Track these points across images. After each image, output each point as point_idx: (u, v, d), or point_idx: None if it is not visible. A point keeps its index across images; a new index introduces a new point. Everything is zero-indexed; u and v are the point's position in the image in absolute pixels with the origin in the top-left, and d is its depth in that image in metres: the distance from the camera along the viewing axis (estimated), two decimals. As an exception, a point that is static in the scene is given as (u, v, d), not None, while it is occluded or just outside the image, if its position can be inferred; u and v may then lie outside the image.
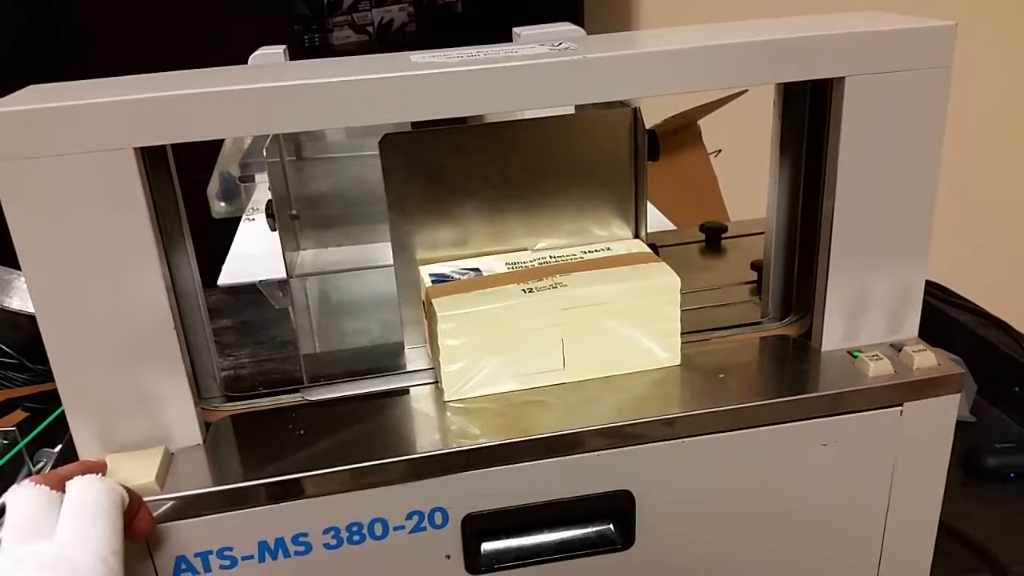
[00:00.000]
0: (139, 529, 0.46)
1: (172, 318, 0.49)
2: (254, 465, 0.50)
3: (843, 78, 0.51)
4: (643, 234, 0.62)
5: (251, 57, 0.74)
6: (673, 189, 0.96)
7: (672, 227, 0.87)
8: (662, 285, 0.55)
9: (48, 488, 0.42)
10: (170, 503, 0.48)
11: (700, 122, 1.09)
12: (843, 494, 0.56)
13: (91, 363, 0.49)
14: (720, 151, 1.11)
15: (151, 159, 0.48)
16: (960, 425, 0.57)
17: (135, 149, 0.46)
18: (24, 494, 0.41)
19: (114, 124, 0.45)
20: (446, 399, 0.54)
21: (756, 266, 0.68)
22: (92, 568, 0.39)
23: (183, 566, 0.49)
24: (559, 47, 0.51)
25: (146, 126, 0.45)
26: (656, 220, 0.90)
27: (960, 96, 0.59)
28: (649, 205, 0.89)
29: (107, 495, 0.43)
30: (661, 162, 0.63)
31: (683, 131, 1.04)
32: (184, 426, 0.51)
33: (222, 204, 1.08)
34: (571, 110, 0.64)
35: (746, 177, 0.66)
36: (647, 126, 0.61)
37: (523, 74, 0.47)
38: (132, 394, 0.50)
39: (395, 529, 0.51)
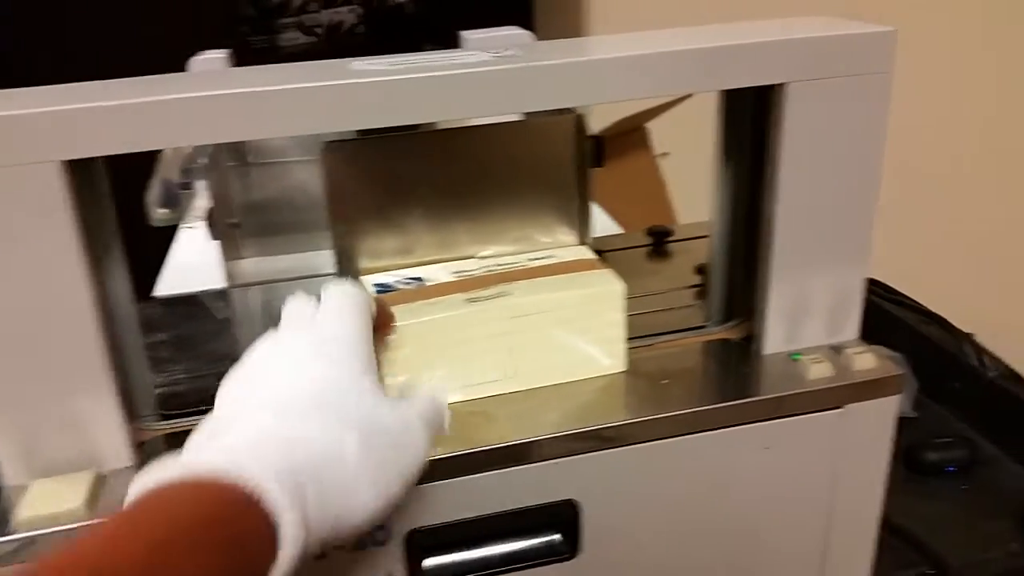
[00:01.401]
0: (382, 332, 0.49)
1: (99, 334, 0.47)
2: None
3: (784, 84, 0.51)
4: (588, 240, 0.62)
5: (190, 62, 0.72)
6: (621, 192, 0.96)
7: (620, 231, 0.87)
8: (606, 292, 0.55)
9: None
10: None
11: (648, 124, 1.09)
12: (786, 496, 0.56)
13: (12, 383, 0.47)
14: (668, 153, 1.12)
15: (82, 169, 0.47)
16: (902, 421, 0.58)
17: (61, 162, 0.44)
18: (292, 301, 0.46)
19: (37, 137, 0.43)
20: None
21: (701, 270, 0.69)
22: (340, 361, 0.41)
23: (116, 592, 0.47)
24: (501, 54, 0.51)
25: (71, 139, 0.44)
26: (603, 224, 0.91)
27: (902, 98, 0.60)
28: (597, 209, 0.90)
29: (356, 295, 0.45)
30: (609, 166, 0.63)
31: (631, 134, 1.05)
32: (114, 447, 0.50)
33: (163, 211, 1.05)
34: (516, 116, 0.64)
35: (695, 179, 0.66)
36: (594, 129, 0.61)
37: (461, 83, 0.46)
38: (57, 415, 0.48)
39: (336, 547, 0.50)
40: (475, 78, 0.46)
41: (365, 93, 0.46)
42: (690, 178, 0.94)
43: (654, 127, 1.10)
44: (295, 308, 0.45)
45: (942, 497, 0.77)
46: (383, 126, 0.47)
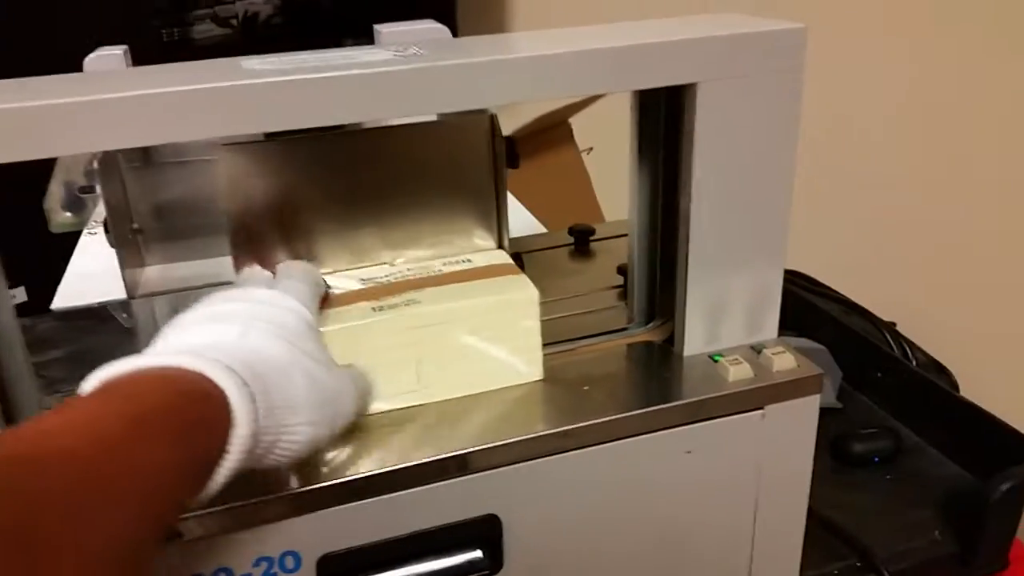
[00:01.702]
0: None
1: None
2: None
3: (695, 84, 0.50)
4: (506, 243, 0.60)
5: (86, 61, 0.68)
6: (545, 190, 0.94)
7: (543, 230, 0.85)
8: (519, 299, 0.53)
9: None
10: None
11: (571, 120, 1.08)
12: (710, 499, 0.56)
13: None
14: (592, 149, 1.11)
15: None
16: (827, 412, 0.58)
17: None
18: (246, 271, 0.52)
19: None
20: None
21: (622, 270, 0.68)
22: (296, 311, 0.44)
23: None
24: (404, 53, 0.48)
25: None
26: (526, 223, 0.89)
27: (817, 91, 0.60)
28: (520, 207, 0.88)
29: (310, 271, 0.52)
30: (532, 163, 0.61)
31: (553, 130, 1.03)
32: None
33: (67, 215, 1.00)
34: (429, 117, 0.62)
35: (622, 174, 0.65)
36: (516, 125, 0.59)
37: (354, 84, 0.44)
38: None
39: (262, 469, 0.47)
40: (371, 79, 0.44)
41: (255, 96, 0.43)
42: (616, 175, 0.93)
43: (578, 123, 1.09)
44: (251, 272, 0.51)
45: (868, 488, 0.77)
46: (269, 130, 0.44)
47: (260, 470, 0.40)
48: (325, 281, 0.53)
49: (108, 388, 0.34)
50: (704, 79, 0.50)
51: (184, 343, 0.40)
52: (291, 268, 0.51)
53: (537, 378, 0.54)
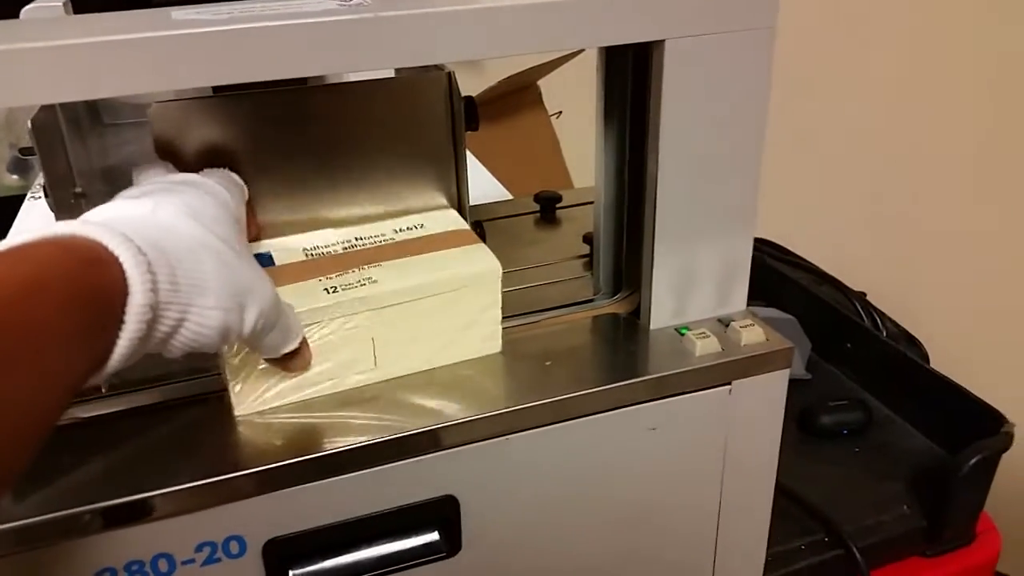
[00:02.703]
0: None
1: None
2: (8, 502, 0.42)
3: (662, 41, 0.47)
4: (466, 207, 0.57)
5: (23, 11, 0.64)
6: (512, 154, 0.91)
7: (508, 196, 0.83)
8: (481, 274, 0.50)
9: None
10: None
11: (540, 82, 1.04)
12: (676, 476, 0.54)
13: None
14: (561, 112, 1.07)
15: None
16: (796, 383, 0.56)
17: None
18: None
19: None
20: (236, 414, 0.48)
21: (588, 239, 0.65)
22: (216, 194, 0.43)
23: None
24: (351, 3, 0.45)
25: None
26: (492, 189, 0.86)
27: (785, 52, 0.57)
28: (484, 172, 0.85)
29: (231, 175, 0.49)
30: (499, 126, 0.58)
31: (521, 92, 0.99)
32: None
33: (13, 178, 0.95)
34: (385, 73, 0.58)
35: (591, 139, 0.62)
36: (482, 86, 0.56)
37: (298, 35, 0.40)
38: None
39: (184, 563, 0.44)
40: (315, 29, 0.41)
41: (185, 47, 0.39)
42: (586, 139, 0.90)
43: (547, 85, 1.05)
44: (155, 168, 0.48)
45: (836, 460, 0.76)
46: (201, 85, 0.40)
47: (171, 357, 0.39)
48: (246, 188, 0.50)
49: (10, 251, 0.33)
50: (671, 36, 0.47)
51: (95, 216, 0.39)
52: (212, 171, 0.48)
53: (495, 351, 0.52)
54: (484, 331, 0.51)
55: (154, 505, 0.43)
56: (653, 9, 0.46)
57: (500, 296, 0.51)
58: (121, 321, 0.34)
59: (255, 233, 0.52)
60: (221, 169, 0.49)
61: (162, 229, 0.38)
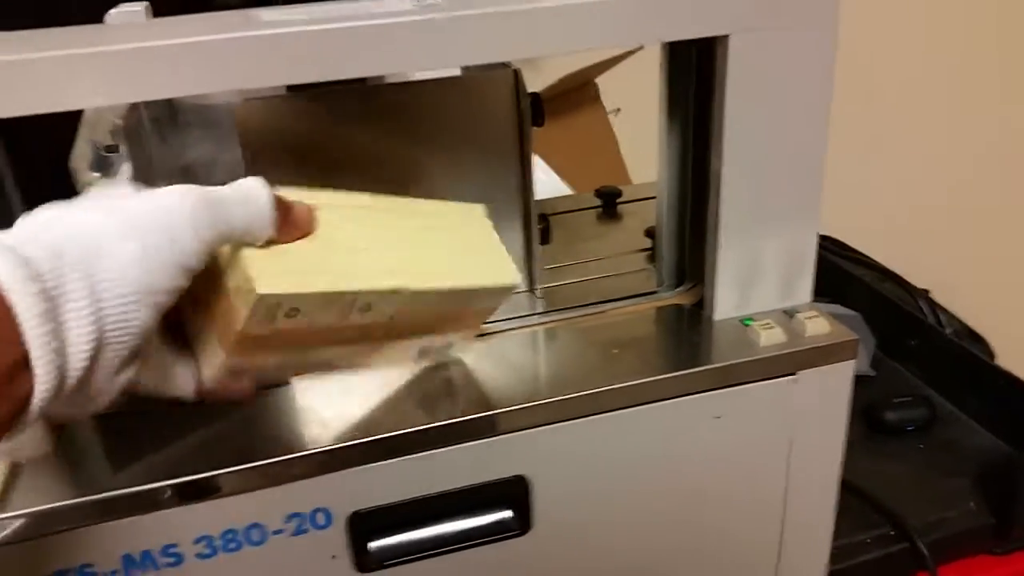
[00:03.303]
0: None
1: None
2: (114, 472, 0.46)
3: (727, 36, 0.48)
4: (531, 203, 0.59)
5: (107, 15, 0.67)
6: (571, 151, 0.93)
7: (569, 192, 0.84)
8: (468, 208, 0.51)
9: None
10: (19, 521, 0.44)
11: (598, 80, 1.06)
12: (740, 466, 0.55)
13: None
14: (619, 110, 1.09)
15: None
16: (860, 379, 0.56)
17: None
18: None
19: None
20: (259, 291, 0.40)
21: (650, 233, 0.66)
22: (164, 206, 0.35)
23: (37, 590, 0.45)
24: (425, 3, 0.47)
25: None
26: (553, 185, 0.88)
27: (850, 50, 0.58)
28: (546, 169, 0.86)
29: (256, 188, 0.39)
30: (558, 123, 0.60)
31: (580, 90, 1.01)
32: (30, 434, 0.46)
33: (94, 175, 1.00)
34: (452, 71, 0.61)
35: (649, 136, 0.64)
36: (541, 85, 0.58)
37: (379, 34, 0.43)
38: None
39: (274, 533, 0.47)
40: (392, 30, 0.43)
41: (271, 47, 0.42)
42: (643, 136, 0.91)
43: (605, 83, 1.06)
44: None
45: (901, 456, 0.76)
46: (286, 83, 0.43)
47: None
48: (272, 219, 0.40)
49: None
50: (736, 31, 0.48)
51: (34, 230, 0.34)
52: (242, 185, 0.40)
53: (510, 281, 0.50)
54: (491, 258, 0.50)
55: (249, 477, 0.45)
56: (718, 4, 0.47)
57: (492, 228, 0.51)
58: (20, 344, 0.30)
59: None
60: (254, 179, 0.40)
61: (52, 220, 0.34)
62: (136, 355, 0.36)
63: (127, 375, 0.36)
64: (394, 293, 0.44)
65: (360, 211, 0.47)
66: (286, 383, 0.49)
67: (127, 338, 0.34)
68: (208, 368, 0.43)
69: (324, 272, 0.42)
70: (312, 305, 0.41)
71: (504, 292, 0.50)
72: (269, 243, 0.40)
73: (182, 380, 0.42)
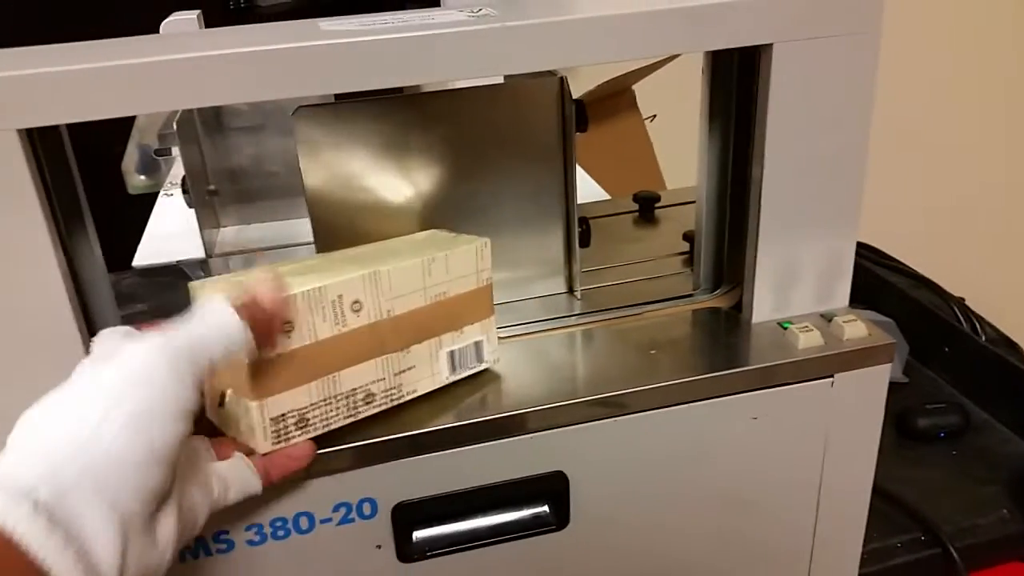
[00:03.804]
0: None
1: (71, 307, 0.46)
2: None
3: (770, 45, 0.50)
4: (574, 208, 0.61)
5: (163, 24, 0.70)
6: (607, 157, 0.94)
7: (606, 196, 0.85)
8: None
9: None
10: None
11: (635, 87, 1.07)
12: (776, 466, 0.56)
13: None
14: (655, 116, 1.10)
15: (44, 137, 0.45)
16: (893, 386, 0.57)
17: (20, 130, 0.42)
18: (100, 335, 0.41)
19: (-7, 104, 0.41)
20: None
21: (688, 237, 0.67)
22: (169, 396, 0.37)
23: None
24: (478, 14, 0.49)
25: (30, 105, 0.42)
26: (590, 190, 0.89)
27: (892, 58, 0.59)
28: (584, 174, 0.88)
29: (226, 322, 0.40)
30: (595, 129, 0.61)
31: (617, 96, 1.02)
32: None
33: (141, 178, 1.03)
34: (497, 79, 0.62)
35: (684, 142, 0.65)
36: (579, 92, 0.59)
37: (434, 44, 0.44)
38: (33, 391, 0.46)
39: (322, 522, 0.49)
40: (449, 39, 0.45)
41: (334, 55, 0.44)
42: (678, 142, 0.92)
43: (641, 90, 1.08)
44: (102, 341, 0.41)
45: (933, 463, 0.76)
46: (352, 89, 0.45)
47: None
48: (247, 335, 0.40)
49: None
50: (779, 40, 0.49)
51: (31, 449, 0.35)
52: (207, 313, 0.40)
53: (478, 242, 0.51)
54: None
55: (299, 467, 0.47)
56: (762, 14, 0.48)
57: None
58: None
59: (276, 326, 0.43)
60: (220, 305, 0.40)
61: (106, 455, 0.34)
62: (166, 501, 0.37)
63: (169, 527, 0.38)
64: (371, 279, 0.46)
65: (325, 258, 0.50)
66: (339, 429, 0.48)
67: (150, 503, 0.36)
68: (252, 434, 0.44)
69: (300, 284, 0.44)
70: (300, 311, 0.44)
71: (474, 254, 0.51)
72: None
73: (240, 476, 0.43)
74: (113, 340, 0.41)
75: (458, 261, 0.50)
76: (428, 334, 0.50)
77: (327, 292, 0.45)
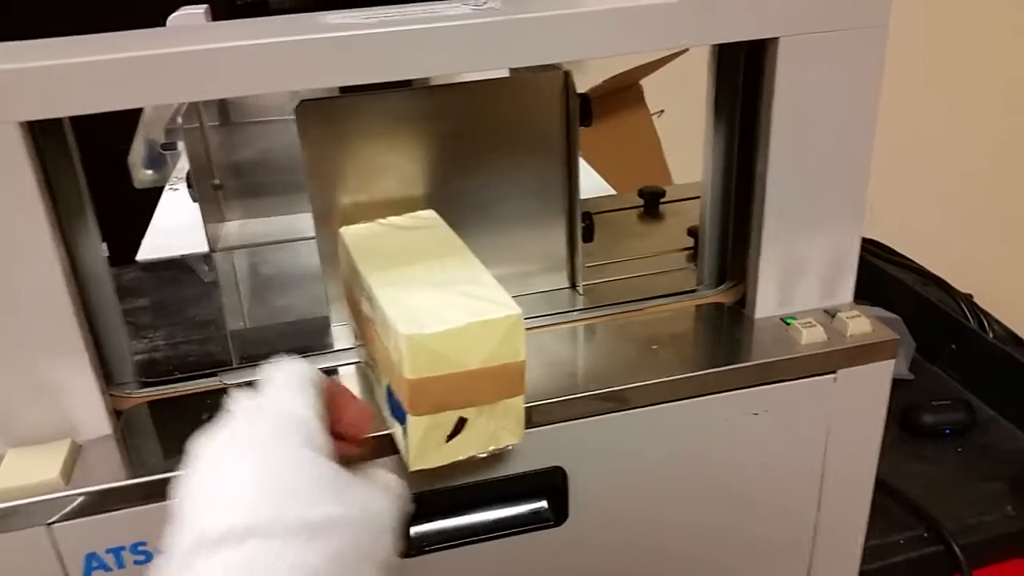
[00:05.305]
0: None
1: (70, 300, 0.46)
2: (168, 454, 0.48)
3: (777, 38, 0.49)
4: (577, 203, 0.60)
5: (169, 18, 0.70)
6: (614, 152, 0.94)
7: (612, 192, 0.85)
8: None
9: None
10: (78, 499, 0.46)
11: (642, 82, 1.06)
12: (777, 462, 0.55)
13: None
14: (663, 111, 1.09)
15: (46, 130, 0.45)
16: (898, 383, 0.57)
17: (20, 123, 0.42)
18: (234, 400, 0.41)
19: (-6, 96, 0.41)
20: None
21: (692, 232, 0.67)
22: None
23: (94, 563, 0.47)
24: (482, 7, 0.48)
25: (30, 98, 0.42)
26: (596, 185, 0.88)
27: (899, 52, 0.58)
28: (589, 169, 0.87)
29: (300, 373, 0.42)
30: (602, 123, 0.61)
31: (624, 92, 1.02)
32: (91, 415, 0.49)
33: (147, 173, 1.03)
34: (502, 73, 0.62)
35: (691, 137, 0.64)
36: (586, 87, 0.59)
37: (439, 37, 0.44)
38: (31, 384, 0.47)
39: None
40: (454, 32, 0.44)
41: (340, 48, 0.44)
42: (686, 138, 0.92)
43: (649, 85, 1.07)
44: (238, 403, 0.41)
45: (938, 459, 0.76)
46: (357, 83, 0.44)
47: None
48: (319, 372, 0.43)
49: None
50: (786, 33, 0.49)
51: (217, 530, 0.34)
52: (280, 378, 0.42)
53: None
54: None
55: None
56: (769, 7, 0.48)
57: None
58: None
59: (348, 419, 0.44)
60: (291, 364, 0.42)
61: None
62: None
63: None
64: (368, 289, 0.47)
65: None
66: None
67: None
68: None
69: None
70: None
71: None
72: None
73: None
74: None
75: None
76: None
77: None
